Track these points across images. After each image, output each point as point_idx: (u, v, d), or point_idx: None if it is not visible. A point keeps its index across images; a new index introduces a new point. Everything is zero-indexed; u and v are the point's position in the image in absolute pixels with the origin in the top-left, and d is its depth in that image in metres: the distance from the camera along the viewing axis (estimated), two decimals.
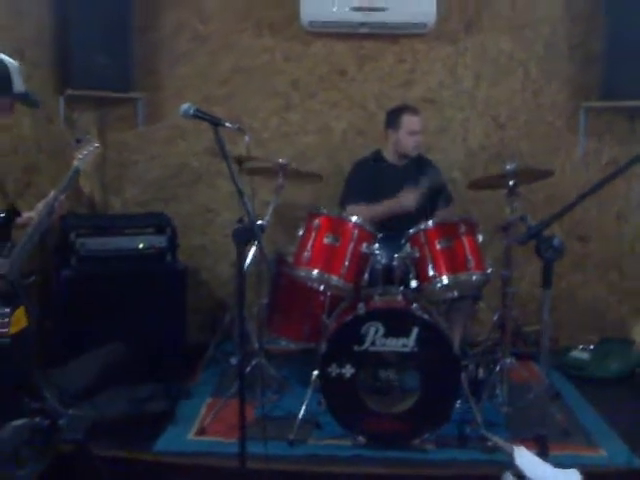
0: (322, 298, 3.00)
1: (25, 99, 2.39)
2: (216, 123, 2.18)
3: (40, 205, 2.48)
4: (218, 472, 2.48)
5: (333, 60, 3.86)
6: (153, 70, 3.85)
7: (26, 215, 2.46)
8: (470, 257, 2.75)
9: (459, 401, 2.68)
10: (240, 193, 2.19)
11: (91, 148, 2.60)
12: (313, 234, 2.85)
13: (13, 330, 2.24)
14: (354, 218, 2.84)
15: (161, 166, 3.91)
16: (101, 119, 3.83)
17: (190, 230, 3.82)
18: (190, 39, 3.85)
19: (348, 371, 2.62)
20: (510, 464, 1.23)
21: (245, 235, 2.17)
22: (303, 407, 2.69)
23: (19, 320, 2.36)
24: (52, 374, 2.55)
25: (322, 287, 2.88)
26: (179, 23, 3.83)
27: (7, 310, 2.20)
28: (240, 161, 3.19)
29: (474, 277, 2.77)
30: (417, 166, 3.37)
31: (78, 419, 1.12)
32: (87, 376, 2.62)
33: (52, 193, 2.47)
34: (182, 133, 3.85)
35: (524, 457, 1.20)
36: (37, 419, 1.08)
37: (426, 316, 2.65)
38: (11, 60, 2.33)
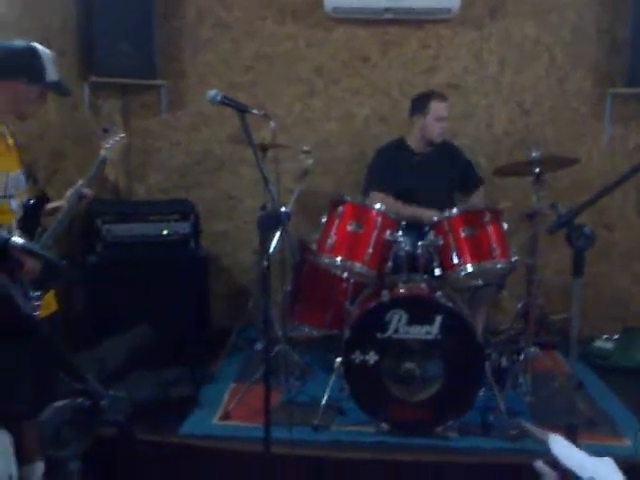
0: (345, 285, 3.00)
1: (58, 88, 2.40)
2: (242, 110, 2.18)
3: (68, 193, 2.50)
4: (243, 456, 2.51)
5: (356, 46, 3.84)
6: (176, 57, 3.86)
7: (55, 203, 2.49)
8: (495, 245, 2.74)
9: (482, 389, 2.69)
10: (265, 180, 2.20)
11: (117, 138, 2.61)
12: (336, 221, 2.85)
13: (44, 313, 2.29)
14: (377, 205, 2.83)
15: (184, 153, 3.93)
16: (125, 106, 3.85)
17: (213, 217, 3.85)
18: (213, 26, 3.85)
19: (371, 358, 2.63)
20: (542, 452, 1.22)
21: (271, 222, 2.17)
22: (326, 393, 2.71)
23: (49, 304, 2.40)
24: (83, 356, 2.59)
25: (345, 274, 2.88)
26: (202, 10, 3.83)
27: (38, 294, 2.24)
28: (264, 148, 3.19)
29: (499, 265, 2.76)
30: (442, 153, 3.35)
31: (119, 401, 1.14)
32: (116, 359, 2.66)
33: (80, 181, 2.50)
34: (205, 120, 3.87)
35: (561, 445, 1.18)
36: (79, 400, 1.10)
37: (450, 304, 2.65)
38: (44, 49, 2.34)
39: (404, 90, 3.76)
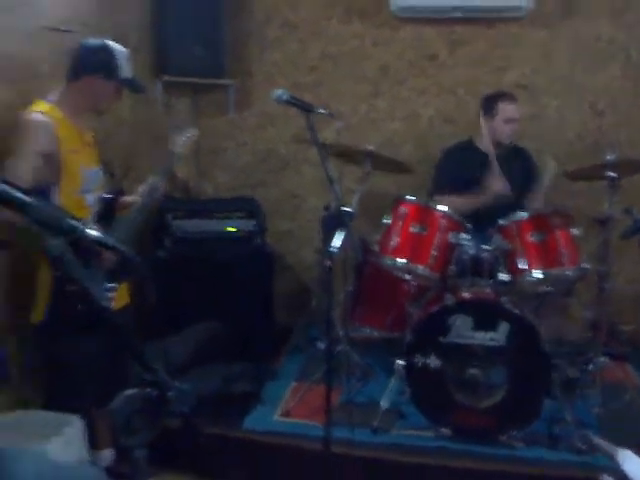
0: (407, 287, 2.98)
1: (131, 84, 2.47)
2: (308, 109, 2.20)
3: (141, 188, 2.58)
4: (303, 453, 2.54)
5: (423, 45, 3.80)
6: (244, 57, 3.92)
7: (129, 198, 2.57)
8: (564, 251, 2.67)
9: (549, 399, 2.62)
10: (330, 180, 2.21)
11: (189, 135, 2.68)
12: (399, 222, 2.83)
13: (118, 305, 2.37)
14: (442, 207, 2.80)
15: (250, 152, 3.99)
16: (195, 105, 3.94)
17: (277, 215, 3.89)
18: (280, 26, 3.89)
19: (433, 362, 2.60)
20: (611, 468, 1.18)
21: (333, 222, 2.18)
22: (386, 396, 2.70)
23: (123, 296, 2.49)
24: (151, 348, 2.67)
25: (408, 276, 2.86)
26: (270, 11, 3.87)
27: (113, 285, 2.32)
28: (329, 148, 3.20)
29: (568, 272, 2.68)
30: (511, 155, 3.28)
31: (185, 392, 1.16)
32: (182, 353, 2.73)
33: (153, 178, 2.57)
34: (271, 120, 3.91)
35: (631, 461, 1.14)
36: (147, 390, 1.13)
37: (516, 310, 2.59)
38: (119, 47, 2.42)
39: (471, 90, 3.70)
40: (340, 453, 2.39)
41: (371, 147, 3.12)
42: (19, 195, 1.03)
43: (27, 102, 2.34)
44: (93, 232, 1.11)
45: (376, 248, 2.92)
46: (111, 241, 1.19)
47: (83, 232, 1.09)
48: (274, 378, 3.14)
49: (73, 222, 1.07)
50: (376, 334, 3.32)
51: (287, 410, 2.83)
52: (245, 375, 2.89)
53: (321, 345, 3.32)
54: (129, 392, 1.10)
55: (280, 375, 3.21)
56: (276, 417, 2.80)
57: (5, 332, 2.46)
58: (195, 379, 2.69)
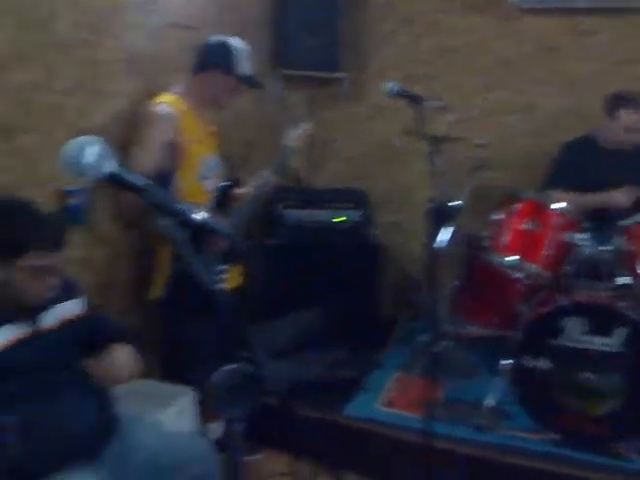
0: (518, 286, 2.89)
1: (248, 80, 2.58)
2: (418, 101, 2.19)
3: (254, 181, 2.69)
4: (403, 445, 2.55)
5: (544, 37, 3.64)
6: (358, 51, 3.95)
7: (243, 190, 2.69)
8: None
9: None
10: (438, 173, 2.19)
11: (303, 129, 2.76)
12: (511, 219, 2.76)
13: (229, 286, 2.48)
14: (557, 204, 2.69)
15: (361, 144, 4.03)
16: (310, 98, 4.02)
17: (385, 207, 3.89)
18: (395, 20, 3.88)
19: (543, 364, 2.51)
20: None
21: (439, 215, 2.16)
22: (492, 394, 2.65)
23: (235, 278, 2.60)
24: (256, 331, 2.77)
25: (519, 274, 2.78)
26: (385, 5, 3.88)
27: (224, 268, 2.44)
28: (439, 141, 3.16)
29: None
30: (635, 155, 3.07)
31: (281, 372, 1.22)
32: (287, 337, 2.82)
33: (265, 172, 2.67)
34: (382, 112, 3.91)
35: None
36: (245, 366, 1.19)
37: (635, 316, 2.44)
38: (240, 44, 2.53)
39: (595, 83, 3.50)
40: (442, 448, 2.37)
41: (483, 141, 3.06)
42: (133, 179, 1.12)
43: (153, 94, 2.51)
44: (197, 216, 1.18)
45: (485, 244, 2.85)
46: (221, 227, 1.26)
47: (188, 216, 1.17)
48: (377, 368, 3.16)
49: (180, 206, 1.15)
50: (482, 331, 3.25)
51: (389, 400, 2.84)
52: (347, 362, 2.94)
53: (425, 339, 3.31)
54: (229, 367, 1.16)
55: (384, 365, 3.21)
56: (377, 406, 2.82)
57: (129, 307, 2.66)
58: (298, 363, 2.78)
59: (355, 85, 3.96)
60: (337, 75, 3.84)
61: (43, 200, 2.05)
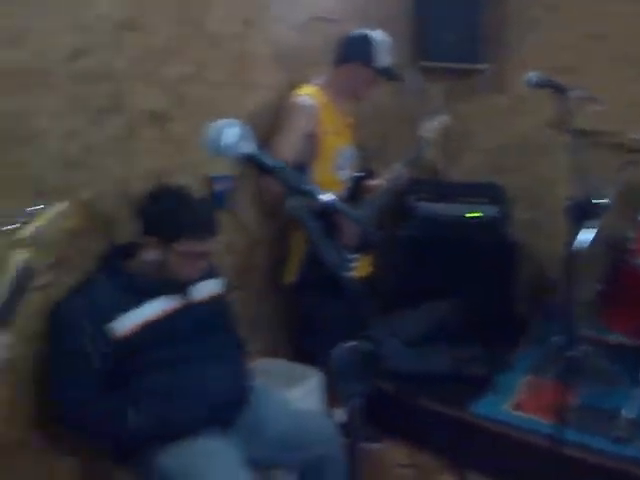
0: None
1: (387, 73, 2.60)
2: (562, 91, 2.09)
3: (388, 174, 2.71)
4: (531, 449, 2.46)
5: None
6: (500, 41, 3.82)
7: (376, 182, 2.72)
8: None
9: None
10: (581, 169, 2.08)
11: (440, 121, 2.73)
12: None
13: (359, 274, 2.52)
14: None
15: (500, 137, 3.90)
16: (448, 90, 3.96)
17: (523, 203, 3.74)
18: (540, 8, 3.70)
19: None
20: None
21: (581, 213, 2.06)
22: (632, 405, 2.48)
23: (364, 267, 2.65)
24: (388, 320, 2.80)
25: None
26: None
27: (354, 256, 2.49)
28: (585, 134, 2.99)
29: None
30: None
31: (412, 361, 1.23)
32: (416, 328, 2.82)
33: (398, 165, 2.68)
34: (524, 103, 3.76)
35: None
36: (363, 343, 1.22)
37: None
38: (381, 36, 2.56)
39: None
40: (572, 456, 2.26)
41: (636, 135, 2.85)
42: (269, 160, 1.18)
43: (296, 86, 2.61)
44: (325, 197, 1.22)
45: (632, 247, 2.67)
46: (354, 214, 1.30)
47: (316, 196, 1.21)
48: (507, 368, 3.06)
49: (310, 187, 1.19)
50: (625, 340, 3.04)
51: (518, 402, 2.75)
52: (476, 360, 2.87)
53: (560, 341, 3.15)
54: (350, 343, 1.20)
55: (515, 366, 3.10)
56: (505, 407, 2.73)
57: (265, 290, 2.79)
58: (426, 356, 2.76)
59: (496, 76, 3.84)
60: (478, 67, 3.75)
61: (191, 186, 2.21)
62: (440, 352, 2.85)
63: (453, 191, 3.49)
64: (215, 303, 2.04)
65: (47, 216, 1.28)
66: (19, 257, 1.17)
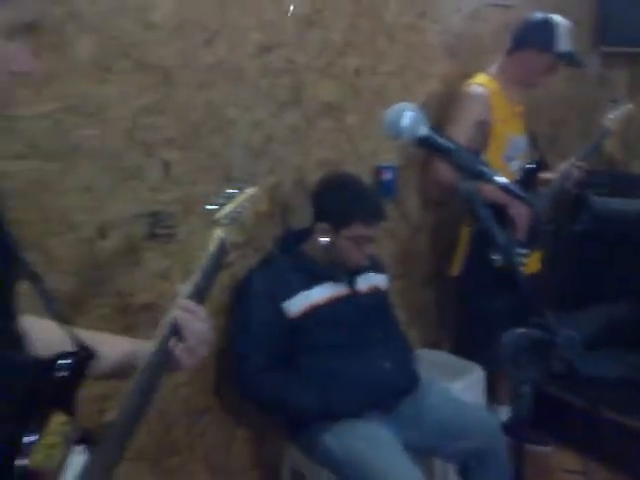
0: None
1: (569, 58, 2.47)
2: None
3: (562, 166, 2.57)
4: None
5: None
6: None
7: (548, 174, 2.59)
8: None
9: None
10: None
11: (623, 110, 2.55)
12: None
13: (529, 270, 2.44)
14: None
15: None
16: (632, 77, 3.67)
17: None
18: None
19: None
20: None
21: None
22: None
23: (534, 263, 2.55)
24: (561, 319, 2.67)
25: None
26: None
27: (525, 251, 2.41)
28: None
29: None
30: None
31: (571, 340, 1.17)
32: (591, 329, 2.66)
33: (573, 157, 2.54)
34: None
35: None
36: (536, 331, 1.18)
37: None
38: (561, 20, 2.44)
39: None
40: None
41: None
42: (443, 142, 1.18)
43: (469, 75, 2.57)
44: (501, 179, 1.18)
45: None
46: (517, 190, 1.25)
47: (492, 177, 1.18)
48: None
49: (485, 168, 1.17)
50: None
51: None
52: None
53: None
54: (519, 330, 1.17)
55: None
56: None
57: (428, 279, 2.80)
58: (600, 360, 2.60)
59: None
60: None
61: (362, 175, 2.28)
62: (615, 357, 2.67)
63: (632, 185, 3.23)
64: (378, 297, 2.10)
65: (240, 199, 1.40)
66: (217, 235, 1.28)
